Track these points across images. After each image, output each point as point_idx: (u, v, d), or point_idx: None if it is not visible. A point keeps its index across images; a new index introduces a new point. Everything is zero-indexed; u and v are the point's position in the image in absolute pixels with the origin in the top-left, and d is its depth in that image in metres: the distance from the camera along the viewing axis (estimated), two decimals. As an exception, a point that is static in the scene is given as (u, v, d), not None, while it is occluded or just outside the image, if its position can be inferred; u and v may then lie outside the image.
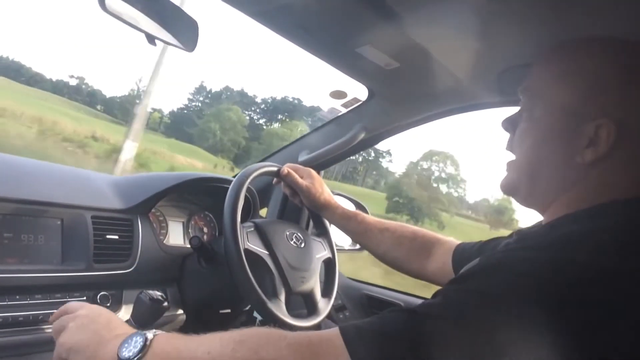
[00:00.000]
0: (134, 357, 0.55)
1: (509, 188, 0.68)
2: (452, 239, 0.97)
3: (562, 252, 0.49)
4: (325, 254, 1.12)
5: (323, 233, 1.17)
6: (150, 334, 0.58)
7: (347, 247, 1.44)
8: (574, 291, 0.45)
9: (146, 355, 0.56)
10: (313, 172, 1.06)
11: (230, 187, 0.95)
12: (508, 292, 0.47)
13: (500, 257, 0.52)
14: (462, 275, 0.54)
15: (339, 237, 1.28)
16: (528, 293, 0.46)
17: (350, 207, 1.31)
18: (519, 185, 0.66)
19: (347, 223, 1.05)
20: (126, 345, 0.57)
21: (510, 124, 0.69)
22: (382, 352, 0.49)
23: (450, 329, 0.47)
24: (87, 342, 0.61)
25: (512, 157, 0.68)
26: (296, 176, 1.02)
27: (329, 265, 1.14)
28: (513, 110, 0.71)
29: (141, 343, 0.56)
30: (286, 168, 1.03)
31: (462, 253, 0.89)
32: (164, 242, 1.14)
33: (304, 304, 1.05)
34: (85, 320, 0.64)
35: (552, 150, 0.61)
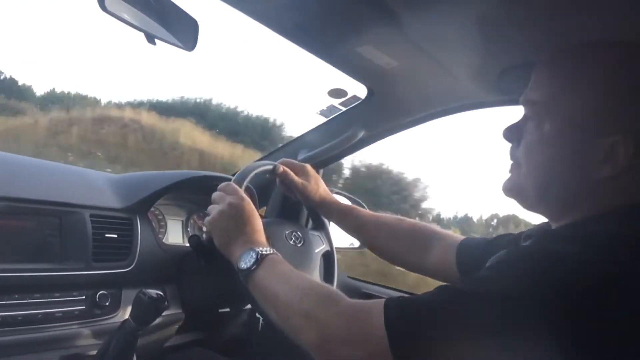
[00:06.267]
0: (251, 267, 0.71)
1: (514, 192, 0.66)
2: (452, 233, 0.96)
3: (604, 251, 0.49)
4: (323, 247, 1.13)
5: (320, 226, 1.17)
6: (265, 251, 0.72)
7: (346, 246, 1.44)
8: (612, 290, 0.46)
9: (258, 268, 0.70)
10: (308, 167, 1.05)
11: None
12: (548, 284, 0.47)
13: (539, 249, 0.54)
14: (500, 261, 0.55)
15: (338, 237, 1.28)
16: (569, 287, 0.47)
17: (347, 204, 1.31)
18: (526, 193, 0.64)
19: (343, 218, 1.05)
20: (243, 257, 0.73)
21: (514, 134, 0.66)
22: (418, 323, 0.52)
23: (492, 311, 0.49)
24: (222, 234, 0.80)
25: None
26: (291, 174, 1.02)
27: (327, 258, 1.14)
28: (512, 110, 0.70)
29: (254, 258, 0.71)
30: (281, 166, 1.02)
31: (467, 249, 0.88)
32: (163, 241, 1.14)
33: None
34: (229, 212, 0.80)
35: (565, 167, 0.58)
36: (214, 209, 0.82)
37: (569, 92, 0.59)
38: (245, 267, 0.72)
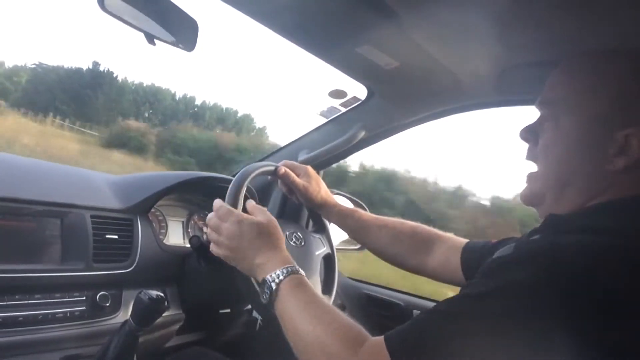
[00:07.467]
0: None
1: (532, 199, 0.67)
2: (453, 236, 0.97)
3: (613, 241, 0.50)
4: (324, 250, 1.12)
5: (321, 229, 1.17)
6: (282, 275, 0.72)
7: (346, 247, 1.44)
8: (626, 277, 0.47)
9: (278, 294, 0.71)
10: (310, 169, 1.05)
11: (230, 188, 0.95)
12: (560, 278, 0.47)
13: (544, 244, 0.54)
14: (499, 266, 0.54)
15: (338, 237, 1.28)
16: (579, 277, 0.47)
17: (349, 205, 1.31)
18: (544, 196, 0.65)
19: (344, 220, 1.04)
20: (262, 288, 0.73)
21: (530, 134, 0.68)
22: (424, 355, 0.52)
23: (490, 324, 0.49)
24: (242, 257, 0.77)
25: (532, 168, 0.67)
26: (293, 175, 1.02)
27: (328, 261, 1.14)
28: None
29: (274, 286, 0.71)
30: (283, 167, 1.02)
31: (472, 252, 0.88)
32: (164, 241, 1.14)
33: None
34: (228, 244, 0.78)
35: (581, 159, 0.60)
36: (212, 236, 0.81)
37: (585, 89, 0.61)
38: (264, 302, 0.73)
